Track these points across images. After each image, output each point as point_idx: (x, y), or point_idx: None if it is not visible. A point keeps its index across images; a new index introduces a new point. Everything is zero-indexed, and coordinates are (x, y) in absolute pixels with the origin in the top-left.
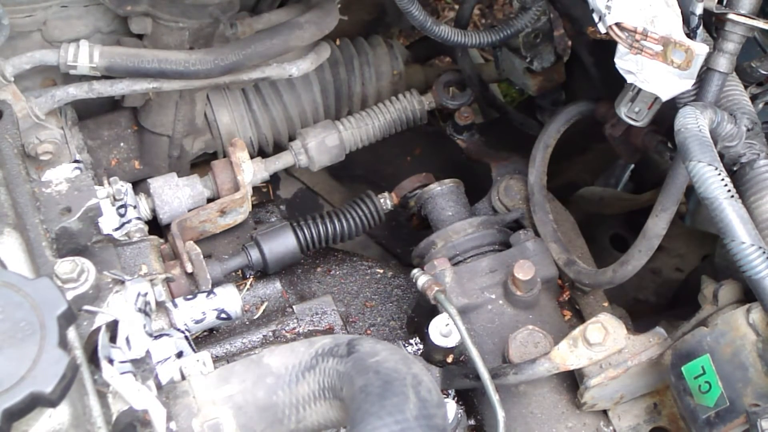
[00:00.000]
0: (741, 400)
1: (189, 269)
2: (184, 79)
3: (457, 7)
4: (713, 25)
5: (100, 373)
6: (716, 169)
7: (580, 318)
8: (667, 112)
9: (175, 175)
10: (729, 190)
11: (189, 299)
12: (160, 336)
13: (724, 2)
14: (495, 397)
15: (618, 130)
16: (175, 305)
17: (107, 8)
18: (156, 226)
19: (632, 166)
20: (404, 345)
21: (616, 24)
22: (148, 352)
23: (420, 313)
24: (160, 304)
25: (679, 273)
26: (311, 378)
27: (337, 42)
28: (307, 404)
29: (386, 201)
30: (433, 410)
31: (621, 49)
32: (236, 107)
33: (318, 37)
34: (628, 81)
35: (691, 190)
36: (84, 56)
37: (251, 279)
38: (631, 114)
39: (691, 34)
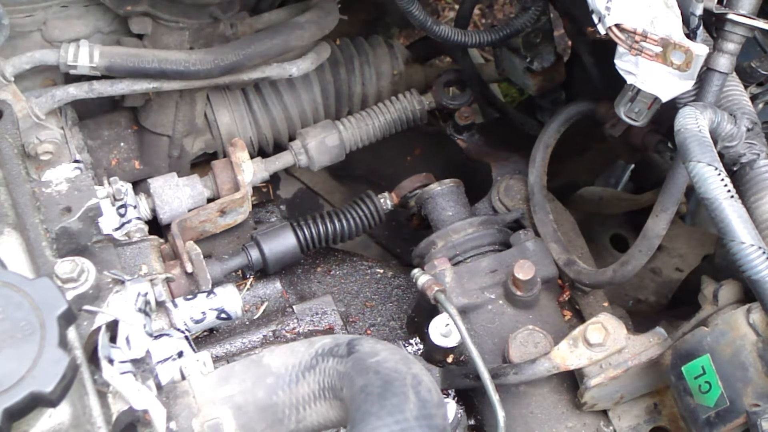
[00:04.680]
0: (741, 400)
1: (189, 269)
2: (184, 79)
3: (457, 7)
4: (713, 25)
5: (100, 373)
6: (716, 169)
7: (580, 318)
8: (667, 112)
9: (175, 175)
10: (729, 190)
11: (189, 299)
12: (160, 336)
13: (724, 2)
14: (495, 397)
15: (618, 130)
16: (175, 305)
17: (107, 8)
18: (156, 226)
19: (632, 166)
20: (404, 345)
21: (616, 25)
22: (148, 352)
23: (420, 313)
24: (160, 304)
25: (679, 273)
26: (311, 378)
27: (337, 42)
28: (307, 404)
29: (386, 201)
30: (433, 410)
31: (620, 49)
32: (236, 107)
33: (318, 37)
34: (628, 81)
35: (691, 190)
36: (84, 56)
37: (251, 279)
38: (631, 114)
39: (690, 34)
